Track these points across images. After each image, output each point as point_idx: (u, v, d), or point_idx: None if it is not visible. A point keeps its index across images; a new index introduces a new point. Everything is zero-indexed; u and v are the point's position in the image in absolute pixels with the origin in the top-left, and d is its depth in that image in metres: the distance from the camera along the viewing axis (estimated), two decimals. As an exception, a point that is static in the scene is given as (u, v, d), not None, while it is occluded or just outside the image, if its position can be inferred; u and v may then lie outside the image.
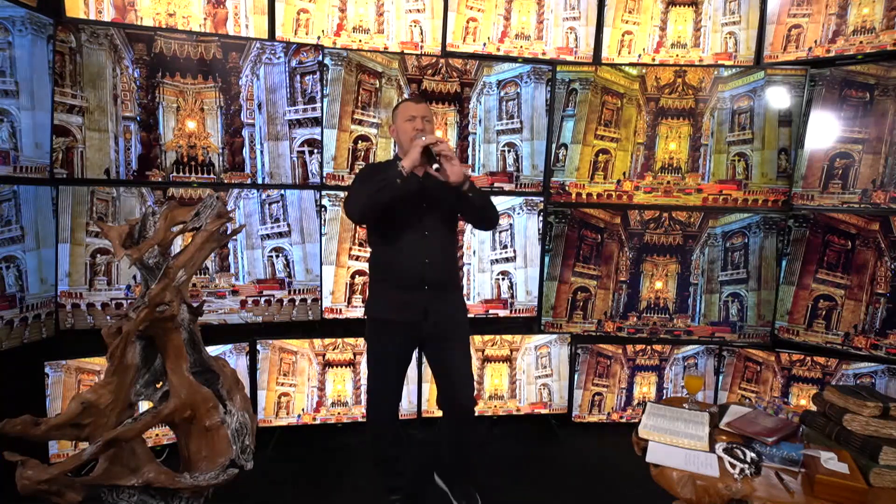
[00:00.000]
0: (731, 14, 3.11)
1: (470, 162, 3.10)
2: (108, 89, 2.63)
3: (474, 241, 3.13)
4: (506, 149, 3.13)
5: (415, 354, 2.48)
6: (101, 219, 2.64)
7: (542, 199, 3.17)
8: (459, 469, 2.40)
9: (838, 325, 2.89)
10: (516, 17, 3.13)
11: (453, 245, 2.24)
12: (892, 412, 1.78)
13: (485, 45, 3.12)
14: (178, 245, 2.31)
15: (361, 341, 3.02)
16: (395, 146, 3.01)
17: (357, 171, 2.94)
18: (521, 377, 3.21)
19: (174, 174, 2.77)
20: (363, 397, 3.06)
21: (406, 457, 2.41)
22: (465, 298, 3.11)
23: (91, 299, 2.68)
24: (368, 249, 3.01)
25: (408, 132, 2.09)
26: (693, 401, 2.18)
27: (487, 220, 2.19)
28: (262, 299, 2.94)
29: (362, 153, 3.00)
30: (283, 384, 2.97)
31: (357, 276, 3.05)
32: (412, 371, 3.04)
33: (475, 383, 3.14)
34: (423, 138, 1.98)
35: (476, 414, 2.33)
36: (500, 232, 3.16)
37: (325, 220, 2.97)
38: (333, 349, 3.01)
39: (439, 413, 3.13)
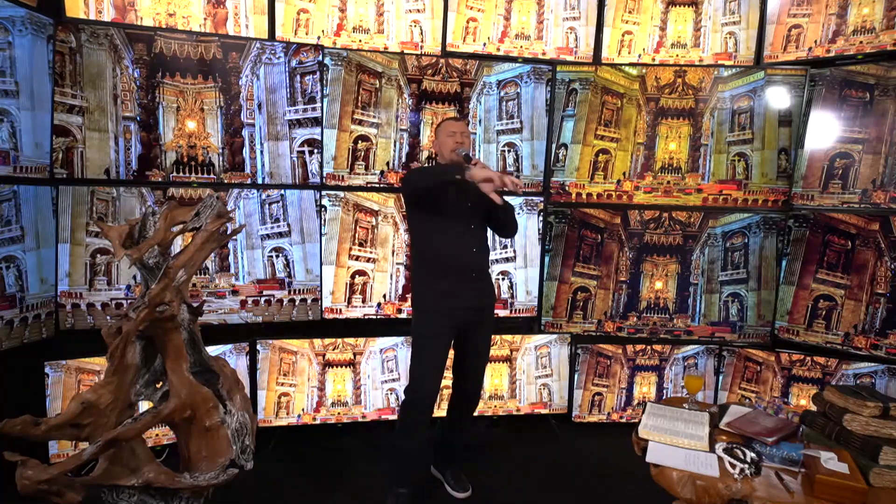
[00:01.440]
0: (731, 14, 3.11)
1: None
2: (108, 89, 2.63)
3: (474, 241, 3.13)
4: (506, 149, 3.13)
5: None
6: (101, 219, 2.65)
7: (542, 199, 3.17)
8: (455, 450, 2.59)
9: (838, 325, 2.89)
10: (516, 17, 3.13)
11: (487, 240, 2.47)
12: (892, 412, 1.78)
13: (485, 45, 3.12)
14: (178, 245, 2.31)
15: (362, 341, 3.03)
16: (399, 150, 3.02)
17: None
18: (521, 377, 3.21)
19: (174, 174, 2.77)
20: (363, 397, 3.06)
21: (422, 452, 2.51)
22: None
23: (91, 299, 2.68)
24: (369, 249, 3.04)
25: (448, 145, 2.36)
26: (693, 401, 2.18)
27: (511, 227, 2.49)
28: (262, 299, 2.94)
29: (362, 153, 3.00)
30: (283, 384, 2.97)
31: (357, 276, 3.05)
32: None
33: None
34: (465, 153, 2.31)
35: (475, 414, 2.54)
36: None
37: (325, 220, 2.97)
38: (333, 349, 3.01)
39: (439, 413, 3.14)
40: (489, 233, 2.48)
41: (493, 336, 2.63)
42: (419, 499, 2.44)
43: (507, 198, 3.03)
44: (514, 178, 2.10)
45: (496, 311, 3.19)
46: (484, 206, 2.29)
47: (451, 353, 2.45)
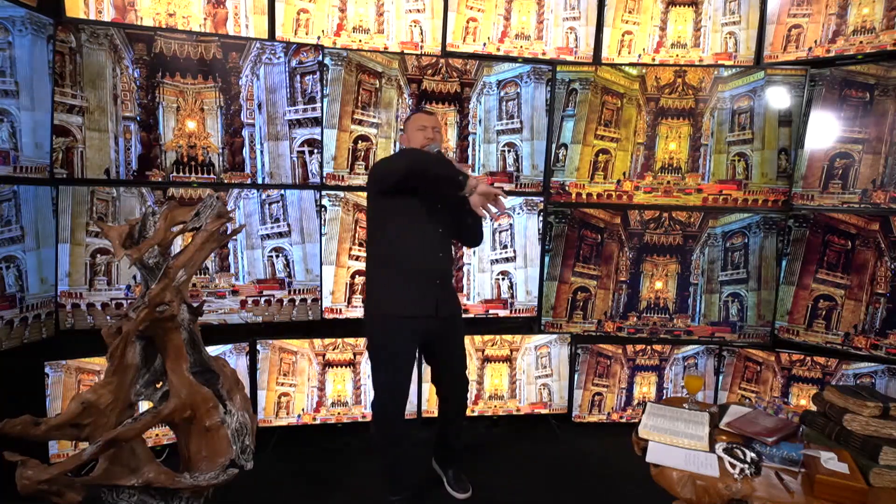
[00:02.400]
0: (731, 14, 3.11)
1: (470, 162, 3.10)
2: (108, 89, 2.63)
3: (474, 241, 3.13)
4: (506, 149, 3.13)
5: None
6: (101, 219, 2.65)
7: (542, 199, 3.17)
8: (455, 450, 2.52)
9: (838, 325, 2.89)
10: (516, 17, 3.13)
11: (453, 246, 2.39)
12: (892, 412, 1.78)
13: (485, 45, 3.12)
14: (178, 245, 2.31)
15: (362, 341, 3.02)
16: (395, 147, 3.02)
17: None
18: (521, 377, 3.21)
19: (174, 174, 2.77)
20: (363, 397, 3.06)
21: (410, 457, 2.42)
22: (465, 299, 3.14)
23: (91, 299, 2.68)
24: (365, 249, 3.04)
25: (418, 140, 2.23)
26: (693, 401, 2.18)
27: (478, 235, 2.40)
28: (262, 299, 2.94)
29: (362, 153, 3.00)
30: (283, 384, 2.97)
31: (357, 276, 3.05)
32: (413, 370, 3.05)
33: (475, 384, 3.15)
34: (436, 149, 2.19)
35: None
36: (500, 232, 3.16)
37: (325, 220, 2.97)
38: (333, 349, 3.01)
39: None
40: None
41: (485, 336, 2.59)
42: (417, 500, 2.43)
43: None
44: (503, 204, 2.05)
45: (496, 312, 3.20)
46: (454, 211, 2.22)
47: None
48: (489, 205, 2.03)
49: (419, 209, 2.18)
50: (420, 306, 2.19)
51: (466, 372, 2.45)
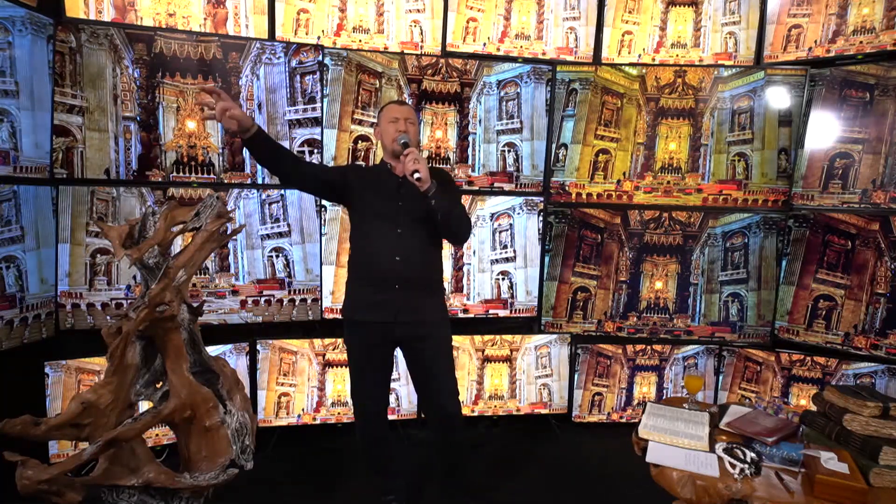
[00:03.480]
0: (731, 14, 3.11)
1: (470, 162, 3.10)
2: (108, 89, 2.63)
3: (474, 241, 3.12)
4: (506, 149, 3.13)
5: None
6: (101, 219, 2.64)
7: (542, 199, 3.17)
8: (452, 475, 2.36)
9: (838, 325, 2.89)
10: (516, 17, 3.13)
11: (432, 246, 2.17)
12: (892, 412, 1.78)
13: (485, 45, 3.12)
14: (178, 245, 2.31)
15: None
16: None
17: None
18: (521, 377, 3.21)
19: (174, 174, 2.77)
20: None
21: (401, 458, 2.40)
22: (465, 299, 3.13)
23: (91, 299, 2.68)
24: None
25: (390, 133, 2.11)
26: (693, 401, 2.18)
27: (452, 234, 2.15)
28: (262, 299, 2.94)
29: (362, 153, 3.00)
30: (283, 384, 2.97)
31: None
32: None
33: (475, 384, 3.15)
34: (403, 140, 2.03)
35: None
36: (500, 232, 3.16)
37: (325, 220, 2.97)
38: (333, 349, 3.01)
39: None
40: (472, 232, 2.26)
41: (451, 354, 2.26)
42: (411, 499, 2.42)
43: (501, 199, 3.01)
44: (416, 165, 1.86)
45: (496, 312, 3.20)
46: (422, 209, 2.01)
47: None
48: (411, 170, 1.90)
49: (376, 210, 2.10)
50: (377, 312, 2.08)
51: (452, 402, 2.16)
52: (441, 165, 3.04)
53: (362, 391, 2.21)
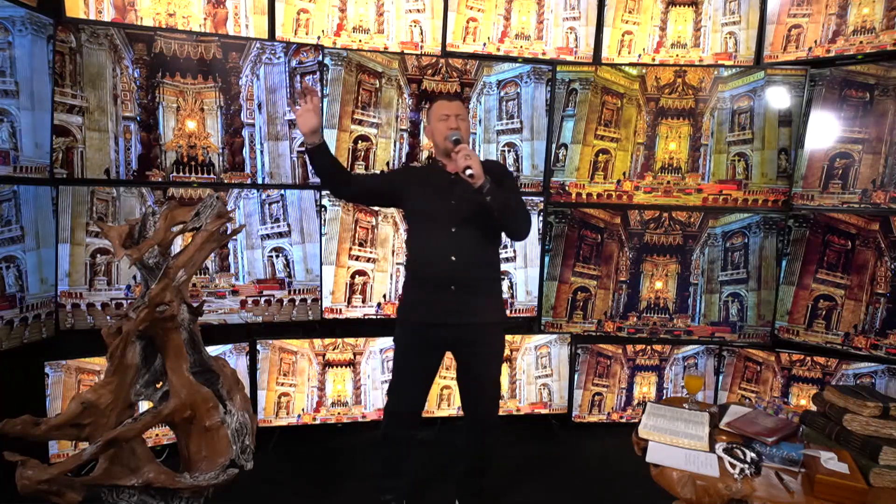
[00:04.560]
0: (731, 14, 3.11)
1: (470, 162, 3.09)
2: (108, 89, 2.63)
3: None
4: (506, 149, 3.13)
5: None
6: (101, 219, 2.64)
7: (542, 199, 3.17)
8: (472, 479, 2.36)
9: (838, 325, 2.89)
10: (516, 17, 3.13)
11: (488, 244, 2.13)
12: (892, 412, 1.78)
13: (485, 45, 3.12)
14: (178, 245, 2.31)
15: (362, 341, 3.03)
16: (394, 145, 3.02)
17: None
18: (521, 377, 3.21)
19: (174, 174, 2.77)
20: (363, 397, 3.06)
21: (409, 459, 2.40)
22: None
23: (91, 299, 2.68)
24: (369, 249, 3.04)
25: (442, 131, 2.06)
26: (693, 401, 2.18)
27: (510, 229, 2.11)
28: (262, 299, 2.94)
29: (362, 153, 3.00)
30: (283, 384, 2.97)
31: (357, 276, 3.05)
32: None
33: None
34: (454, 137, 1.99)
35: (499, 423, 2.28)
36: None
37: (325, 220, 2.97)
38: (333, 349, 3.01)
39: (440, 413, 3.15)
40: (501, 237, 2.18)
41: (500, 358, 2.23)
42: (409, 501, 2.41)
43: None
44: (469, 161, 1.81)
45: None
46: (476, 206, 1.96)
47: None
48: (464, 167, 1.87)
49: (429, 210, 2.07)
50: (430, 314, 2.05)
51: (493, 407, 2.20)
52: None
53: (402, 392, 2.20)
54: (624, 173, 3.14)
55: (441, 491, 2.52)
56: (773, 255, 3.08)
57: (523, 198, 3.09)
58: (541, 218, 3.17)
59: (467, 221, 2.04)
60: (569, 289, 3.24)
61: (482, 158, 2.05)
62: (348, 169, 2.97)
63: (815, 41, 2.94)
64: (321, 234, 2.97)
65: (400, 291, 2.27)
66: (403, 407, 2.22)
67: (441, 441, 3.03)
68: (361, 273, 3.05)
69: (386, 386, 3.07)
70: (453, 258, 2.03)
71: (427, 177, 2.19)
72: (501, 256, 3.14)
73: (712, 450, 1.83)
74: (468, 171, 1.86)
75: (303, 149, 2.92)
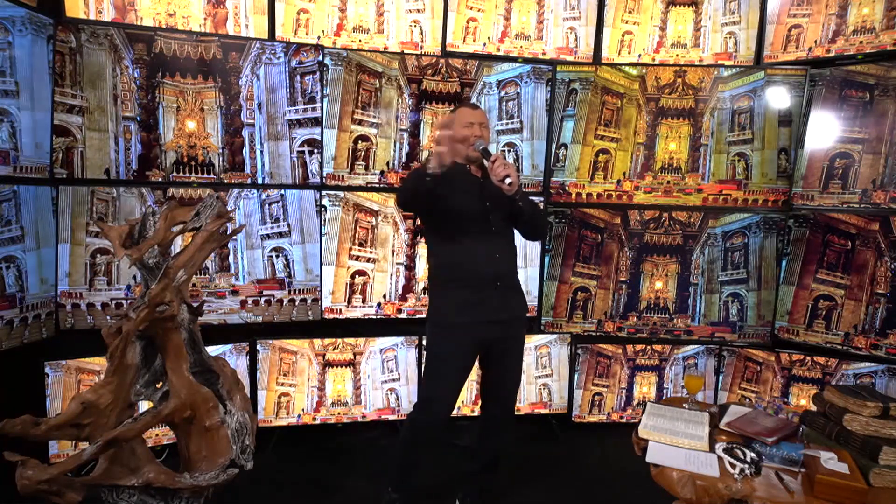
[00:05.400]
0: (731, 14, 3.11)
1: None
2: (108, 89, 2.63)
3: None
4: (506, 149, 3.13)
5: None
6: (101, 219, 2.64)
7: (542, 198, 3.17)
8: (486, 476, 2.36)
9: (838, 325, 2.89)
10: (516, 17, 3.13)
11: (514, 244, 2.24)
12: (892, 412, 1.78)
13: (485, 45, 3.12)
14: (178, 245, 2.31)
15: (362, 341, 3.03)
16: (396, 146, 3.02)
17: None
18: (522, 377, 3.20)
19: (174, 174, 2.77)
20: (363, 397, 3.06)
21: (422, 463, 2.37)
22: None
23: (91, 299, 2.68)
24: (369, 250, 3.04)
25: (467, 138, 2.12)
26: (693, 401, 2.18)
27: (535, 230, 2.25)
28: (262, 299, 2.94)
29: (362, 153, 3.00)
30: (283, 384, 2.97)
31: (357, 276, 3.05)
32: (413, 371, 3.05)
33: (474, 384, 3.14)
34: (482, 146, 2.08)
35: (475, 413, 2.35)
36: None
37: (325, 220, 2.97)
38: (333, 349, 3.01)
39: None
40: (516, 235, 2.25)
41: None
42: (415, 500, 2.41)
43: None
44: (507, 171, 1.89)
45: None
46: (506, 205, 2.08)
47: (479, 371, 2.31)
48: (503, 176, 1.94)
49: (465, 212, 2.09)
50: (478, 311, 2.09)
51: (514, 399, 2.31)
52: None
53: (440, 395, 2.18)
54: (624, 173, 3.14)
55: (441, 491, 2.52)
56: (773, 255, 3.08)
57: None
58: (541, 218, 3.17)
59: (502, 223, 2.15)
60: (569, 289, 3.24)
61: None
62: (349, 169, 2.98)
63: (815, 41, 2.94)
64: (321, 234, 2.97)
65: (433, 295, 2.23)
66: (441, 412, 2.19)
67: (441, 441, 3.03)
68: (361, 273, 3.05)
69: (386, 386, 3.08)
70: (497, 255, 2.12)
71: (454, 179, 2.12)
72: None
73: (712, 450, 1.83)
74: (508, 181, 1.93)
75: (303, 149, 2.92)
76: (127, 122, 2.68)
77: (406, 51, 3.03)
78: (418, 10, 3.05)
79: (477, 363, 2.28)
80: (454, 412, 3.04)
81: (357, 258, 3.04)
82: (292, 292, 2.98)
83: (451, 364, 2.16)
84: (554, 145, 3.14)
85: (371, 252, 3.05)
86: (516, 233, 2.26)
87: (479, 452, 2.37)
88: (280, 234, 2.94)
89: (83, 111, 2.60)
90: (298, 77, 2.87)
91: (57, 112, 2.54)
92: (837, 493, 1.59)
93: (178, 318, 1.80)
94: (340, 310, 3.05)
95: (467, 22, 3.09)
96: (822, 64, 2.92)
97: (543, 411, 3.24)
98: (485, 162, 2.11)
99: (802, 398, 2.95)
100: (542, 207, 2.20)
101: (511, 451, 2.94)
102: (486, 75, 3.05)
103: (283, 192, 2.92)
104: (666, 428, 1.94)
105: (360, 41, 3.01)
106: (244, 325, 2.92)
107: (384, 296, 3.08)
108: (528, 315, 2.32)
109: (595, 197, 3.17)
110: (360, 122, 2.97)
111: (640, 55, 3.18)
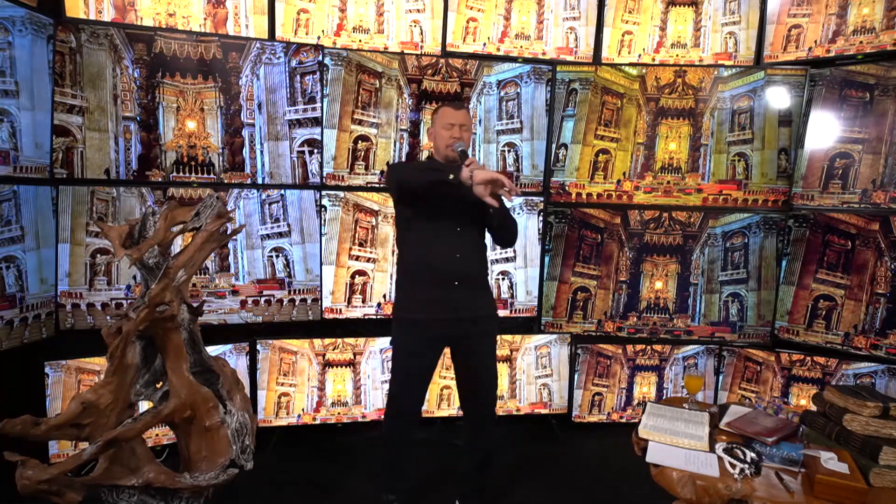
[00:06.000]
0: (731, 14, 3.11)
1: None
2: (108, 89, 2.63)
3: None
4: (506, 149, 3.13)
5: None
6: (101, 219, 2.65)
7: (542, 199, 3.17)
8: (476, 475, 2.36)
9: (838, 325, 2.89)
10: (516, 17, 3.13)
11: (483, 243, 2.23)
12: (892, 412, 1.78)
13: (485, 45, 3.12)
14: (178, 245, 2.31)
15: (362, 341, 3.03)
16: (390, 145, 3.02)
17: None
18: (521, 377, 3.21)
19: (174, 174, 2.77)
20: (363, 397, 3.06)
21: (411, 459, 2.41)
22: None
23: (91, 299, 2.68)
24: (369, 249, 3.04)
25: (444, 139, 2.13)
26: (693, 401, 2.18)
27: (504, 238, 2.25)
28: (262, 299, 2.94)
29: (362, 153, 3.00)
30: (283, 384, 2.97)
31: (357, 276, 3.05)
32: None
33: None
34: (460, 148, 2.05)
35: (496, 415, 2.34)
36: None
37: (325, 220, 2.97)
38: (333, 349, 3.01)
39: (440, 413, 3.15)
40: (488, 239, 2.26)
41: (496, 350, 2.34)
42: (412, 501, 2.42)
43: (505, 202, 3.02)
44: (511, 183, 1.87)
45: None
46: (478, 209, 2.04)
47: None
48: (498, 191, 1.90)
49: (437, 210, 2.10)
50: (438, 309, 2.11)
51: (493, 397, 2.28)
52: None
53: (405, 390, 2.22)
54: (624, 173, 3.14)
55: (441, 491, 2.52)
56: (773, 255, 3.08)
57: (525, 198, 3.14)
58: (541, 218, 3.17)
59: (470, 223, 2.14)
60: (569, 289, 3.24)
61: (481, 160, 2.08)
62: (349, 169, 2.98)
63: (815, 41, 2.94)
64: (321, 234, 2.98)
65: (398, 289, 2.28)
66: (409, 407, 2.24)
67: (441, 441, 3.03)
68: (361, 273, 3.05)
69: (386, 386, 3.07)
70: (458, 255, 2.12)
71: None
72: (501, 256, 3.17)
73: (712, 450, 1.83)
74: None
75: (303, 149, 2.92)
76: (127, 122, 2.68)
77: (406, 51, 3.03)
78: (418, 10, 3.05)
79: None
80: (455, 412, 3.07)
81: (357, 258, 3.04)
82: (292, 292, 2.98)
83: (413, 360, 2.19)
84: (554, 145, 3.14)
85: (371, 252, 3.05)
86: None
87: (469, 453, 2.38)
88: (280, 234, 2.94)
89: (83, 111, 2.60)
90: (298, 77, 2.87)
91: (57, 112, 2.54)
92: (837, 493, 1.59)
93: (178, 318, 1.80)
94: (340, 310, 3.05)
95: (467, 22, 3.09)
96: (822, 64, 2.92)
97: (543, 411, 3.24)
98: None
99: (802, 398, 2.95)
100: (515, 215, 2.16)
101: (507, 450, 2.96)
102: (486, 75, 3.05)
103: (283, 192, 2.92)
104: (666, 428, 1.94)
105: (360, 41, 3.01)
106: (244, 325, 2.92)
107: (384, 296, 3.09)
108: (496, 314, 2.30)
109: (595, 197, 3.17)
110: (360, 122, 2.97)
111: (640, 55, 3.18)
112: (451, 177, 1.89)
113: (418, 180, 2.04)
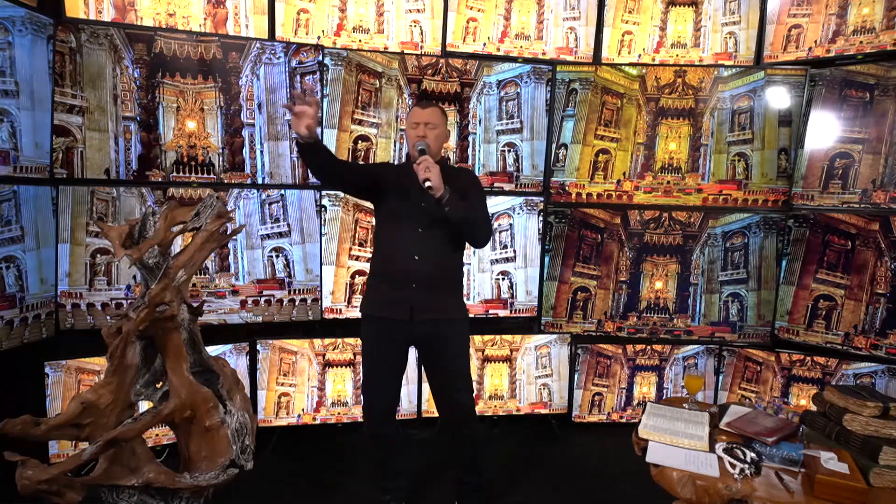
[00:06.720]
0: (731, 14, 3.11)
1: (470, 162, 3.10)
2: (108, 89, 2.63)
3: (474, 241, 3.12)
4: (506, 149, 3.13)
5: (413, 354, 2.47)
6: (101, 219, 2.64)
7: (542, 199, 3.17)
8: (468, 476, 2.35)
9: (838, 325, 2.89)
10: (516, 17, 3.13)
11: (453, 246, 2.18)
12: (892, 412, 1.78)
13: (485, 45, 3.12)
14: (178, 245, 2.31)
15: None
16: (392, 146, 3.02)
17: None
18: (521, 377, 3.21)
19: (174, 174, 2.77)
20: (362, 397, 3.06)
21: (403, 457, 2.41)
22: (466, 299, 3.11)
23: (91, 299, 2.68)
24: (369, 249, 3.04)
25: (411, 138, 2.15)
26: (693, 401, 2.18)
27: (469, 239, 2.20)
28: (262, 299, 2.94)
29: (362, 153, 3.00)
30: (283, 384, 2.97)
31: (357, 275, 3.05)
32: (412, 371, 3.04)
33: (475, 384, 3.14)
34: (420, 147, 2.08)
35: (476, 414, 2.33)
36: (500, 232, 3.16)
37: (325, 220, 2.97)
38: (333, 349, 3.01)
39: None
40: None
41: (468, 352, 2.27)
42: (409, 501, 2.42)
43: (501, 199, 3.02)
44: (427, 174, 1.90)
45: (496, 312, 3.20)
46: (443, 211, 2.02)
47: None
48: (423, 179, 1.94)
49: (399, 209, 2.15)
50: (393, 309, 2.11)
51: (468, 398, 2.23)
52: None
53: (373, 387, 2.24)
54: (624, 173, 3.14)
55: (441, 491, 2.52)
56: (773, 255, 3.08)
57: (525, 198, 3.13)
58: (541, 218, 3.17)
59: (434, 224, 2.10)
60: (569, 289, 3.24)
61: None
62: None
63: (815, 41, 2.94)
64: (321, 234, 2.97)
65: (366, 285, 2.30)
66: (379, 402, 2.24)
67: (441, 441, 3.03)
68: (361, 273, 3.05)
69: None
70: (416, 258, 2.10)
71: (400, 177, 2.19)
72: (501, 256, 3.17)
73: (712, 450, 1.83)
74: (427, 184, 1.95)
75: (303, 149, 2.92)
76: (127, 122, 2.68)
77: (406, 51, 3.03)
78: (418, 10, 3.05)
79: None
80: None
81: (357, 258, 3.04)
82: (292, 292, 2.98)
83: (376, 356, 2.20)
84: (554, 145, 3.14)
85: (371, 252, 3.05)
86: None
87: (452, 455, 2.38)
88: (280, 234, 2.94)
89: (83, 111, 2.60)
90: (298, 77, 2.87)
91: (57, 112, 2.54)
92: (837, 493, 1.59)
93: (178, 318, 1.80)
94: (340, 310, 3.05)
95: (467, 22, 3.09)
96: (822, 64, 2.92)
97: (543, 411, 3.24)
98: None
99: (802, 398, 2.95)
100: (479, 217, 2.16)
101: (507, 451, 2.96)
102: (486, 75, 3.05)
103: (283, 192, 2.92)
104: (666, 428, 1.94)
105: (360, 41, 3.01)
106: (244, 325, 2.92)
107: (384, 296, 3.08)
108: (462, 318, 2.23)
109: (595, 197, 3.17)
110: (360, 122, 2.97)
111: (640, 55, 3.18)
112: (298, 139, 2.00)
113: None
